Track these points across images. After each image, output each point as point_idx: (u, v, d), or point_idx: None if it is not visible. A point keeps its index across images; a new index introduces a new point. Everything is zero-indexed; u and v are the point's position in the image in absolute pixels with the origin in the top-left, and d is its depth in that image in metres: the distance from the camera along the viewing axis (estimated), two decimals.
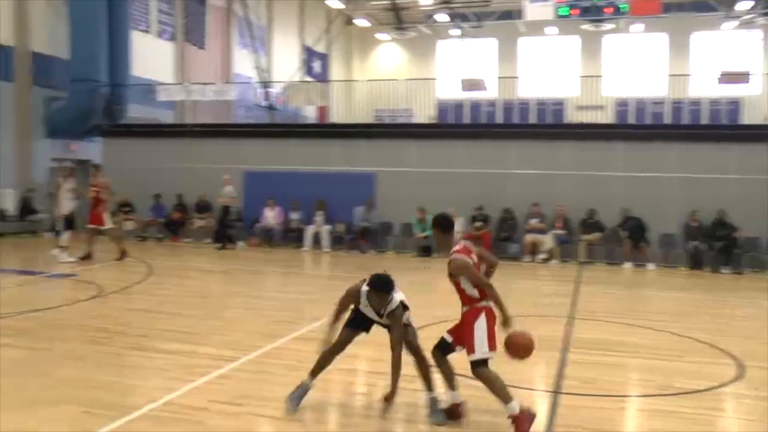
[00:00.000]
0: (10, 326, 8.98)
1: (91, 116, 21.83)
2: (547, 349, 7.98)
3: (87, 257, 14.97)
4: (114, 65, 22.48)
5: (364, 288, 5.87)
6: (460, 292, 5.74)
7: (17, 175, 21.02)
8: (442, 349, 5.93)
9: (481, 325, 5.55)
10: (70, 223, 15.37)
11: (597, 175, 17.34)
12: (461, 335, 5.72)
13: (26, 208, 20.77)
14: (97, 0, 21.68)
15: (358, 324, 6.00)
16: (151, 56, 26.17)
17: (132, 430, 5.43)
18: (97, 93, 21.57)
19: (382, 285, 5.80)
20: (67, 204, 15.37)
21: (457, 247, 5.73)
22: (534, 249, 17.08)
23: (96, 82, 21.58)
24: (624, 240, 16.55)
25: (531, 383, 6.99)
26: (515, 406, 5.43)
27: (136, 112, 23.14)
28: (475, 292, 5.65)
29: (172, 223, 19.87)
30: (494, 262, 6.02)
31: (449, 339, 5.93)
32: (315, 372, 5.96)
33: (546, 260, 16.84)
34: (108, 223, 15.49)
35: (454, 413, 5.82)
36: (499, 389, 5.49)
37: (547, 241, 16.93)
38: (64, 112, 21.94)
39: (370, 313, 5.92)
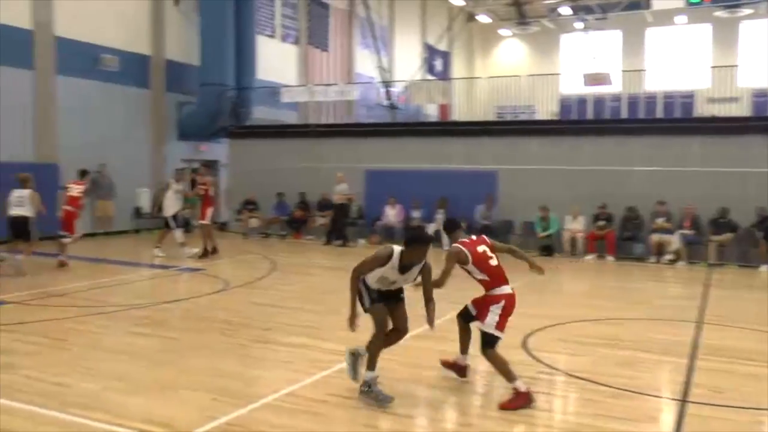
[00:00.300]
0: (143, 316, 9.54)
1: (218, 119, 22.84)
2: (674, 354, 7.64)
3: (213, 252, 15.58)
4: (240, 70, 23.43)
5: (398, 248, 6.21)
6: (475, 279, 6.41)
7: (152, 175, 22.32)
8: (465, 317, 6.73)
9: (496, 309, 6.23)
10: (179, 221, 16.00)
11: (730, 172, 16.35)
12: (481, 310, 6.42)
13: (160, 206, 21.90)
14: (225, 9, 22.68)
15: (381, 297, 6.33)
16: (275, 60, 27.05)
17: (256, 418, 5.61)
18: (224, 96, 22.54)
19: (427, 236, 6.50)
20: (174, 204, 15.94)
21: (463, 239, 6.56)
22: (660, 249, 16.33)
23: (223, 86, 22.57)
24: (760, 241, 15.55)
25: (657, 390, 6.70)
26: (521, 384, 5.91)
27: (260, 114, 23.99)
28: (484, 277, 6.39)
29: (295, 221, 20.43)
30: (508, 249, 6.96)
31: (473, 310, 6.59)
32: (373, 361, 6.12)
33: (672, 261, 16.06)
34: (207, 219, 15.96)
35: (461, 371, 6.65)
36: (504, 370, 6.02)
37: (674, 241, 16.13)
38: (194, 115, 23.11)
39: (392, 275, 6.21)
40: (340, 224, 19.02)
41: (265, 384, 6.49)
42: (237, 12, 23.18)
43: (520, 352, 7.69)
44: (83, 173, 15.17)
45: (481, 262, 6.42)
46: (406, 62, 34.19)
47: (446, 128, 21.00)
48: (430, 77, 33.50)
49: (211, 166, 16.99)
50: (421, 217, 18.82)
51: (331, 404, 5.92)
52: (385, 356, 7.46)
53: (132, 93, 21.63)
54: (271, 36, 27.51)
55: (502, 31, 40.80)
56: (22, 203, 12.69)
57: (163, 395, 6.19)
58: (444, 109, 28.54)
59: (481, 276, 6.38)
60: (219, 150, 24.26)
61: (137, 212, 21.75)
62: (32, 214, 12.78)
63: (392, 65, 33.89)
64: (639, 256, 16.50)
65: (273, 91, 23.85)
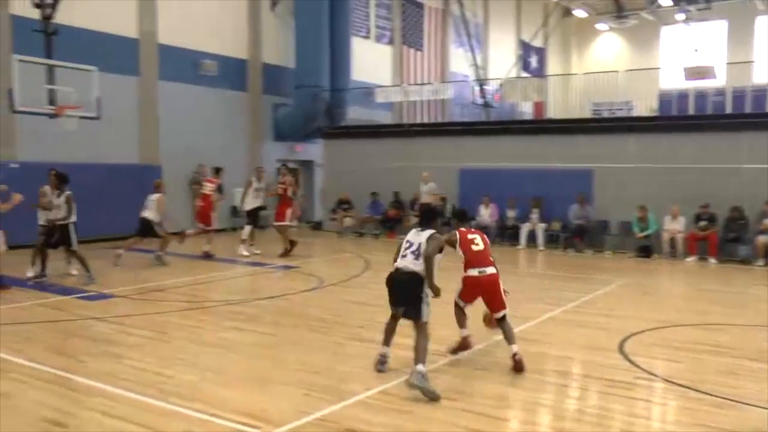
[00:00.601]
0: (240, 312, 9.79)
1: (313, 120, 23.22)
2: None
3: (288, 252, 15.68)
4: (335, 71, 23.74)
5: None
6: None
7: (248, 175, 22.83)
8: None
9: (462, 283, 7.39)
10: (254, 219, 16.20)
11: None
12: None
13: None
14: (321, 11, 23.05)
15: None
16: (370, 60, 27.30)
17: (348, 414, 5.65)
18: (319, 98, 22.89)
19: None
20: (251, 201, 16.19)
21: (462, 228, 7.69)
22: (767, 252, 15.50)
23: (318, 88, 22.92)
24: None
25: (763, 401, 6.28)
26: (465, 331, 7.39)
27: (355, 114, 24.24)
28: (465, 258, 7.46)
29: (389, 220, 20.53)
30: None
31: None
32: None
33: None
34: (288, 220, 16.07)
35: (464, 344, 7.45)
36: (457, 318, 7.48)
37: None
38: (290, 116, 23.60)
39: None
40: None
41: (358, 381, 6.52)
42: (332, 14, 23.53)
43: (617, 356, 7.46)
44: (217, 170, 16.29)
45: (464, 243, 7.48)
46: (501, 60, 33.83)
47: (541, 126, 20.61)
48: (524, 74, 33.00)
49: (286, 165, 17.16)
50: (516, 216, 18.56)
51: (424, 403, 5.89)
52: (480, 356, 7.40)
53: (230, 96, 22.30)
54: (366, 37, 27.78)
55: (599, 26, 39.74)
56: (150, 206, 14.19)
57: (258, 388, 6.33)
58: (539, 106, 28.05)
59: (463, 257, 7.47)
60: (314, 150, 24.71)
61: (234, 211, 22.35)
62: (154, 216, 14.13)
63: (486, 63, 33.60)
64: (744, 259, 15.69)
65: (367, 91, 24.06)
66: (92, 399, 5.98)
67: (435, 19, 31.55)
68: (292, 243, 15.85)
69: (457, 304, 7.45)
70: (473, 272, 7.36)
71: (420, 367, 6.07)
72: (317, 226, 23.08)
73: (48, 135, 16.17)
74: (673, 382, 6.58)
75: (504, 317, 7.06)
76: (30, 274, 11.98)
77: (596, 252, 17.21)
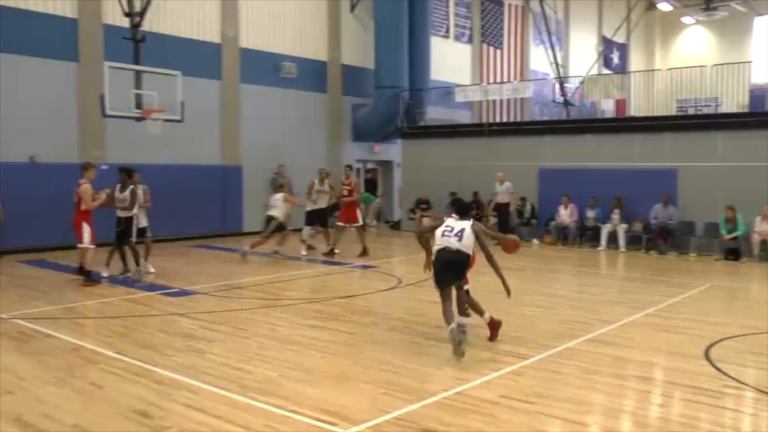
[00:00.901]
0: (319, 310, 9.92)
1: (392, 120, 23.32)
2: None
3: (364, 253, 15.73)
4: (414, 71, 23.79)
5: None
6: None
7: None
8: None
9: None
10: (312, 219, 16.29)
11: None
12: None
13: (335, 205, 22.67)
14: (400, 11, 23.12)
15: None
16: (449, 59, 27.25)
17: (426, 414, 5.62)
18: (398, 98, 22.96)
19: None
20: (314, 202, 16.30)
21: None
22: None
23: (397, 88, 22.99)
24: None
25: None
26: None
27: (434, 114, 24.21)
28: None
29: None
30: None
31: None
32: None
33: None
34: (359, 220, 16.14)
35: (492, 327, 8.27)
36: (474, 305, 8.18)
37: None
38: (369, 117, 23.78)
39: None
40: (506, 224, 18.77)
41: (436, 381, 6.51)
42: (411, 14, 23.58)
43: (703, 363, 7.18)
44: (350, 169, 16.63)
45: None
46: (582, 57, 33.18)
47: (623, 124, 20.07)
48: (606, 71, 32.26)
49: (350, 166, 17.14)
50: (596, 217, 18.16)
51: (503, 406, 5.82)
52: (559, 360, 7.27)
53: (309, 97, 22.62)
54: (445, 36, 27.72)
55: (685, 19, 38.48)
56: (275, 205, 15.20)
57: (336, 386, 6.39)
58: (620, 104, 27.35)
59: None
60: (393, 150, 24.81)
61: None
62: (280, 214, 15.13)
63: (567, 60, 33.00)
64: None
65: (447, 91, 24.01)
66: (177, 392, 6.17)
67: (515, 16, 31.20)
68: (331, 249, 15.92)
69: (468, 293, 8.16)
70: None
71: (463, 319, 7.46)
72: (396, 226, 23.16)
73: (134, 137, 16.79)
74: (764, 392, 6.30)
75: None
76: (104, 274, 12.43)
77: (680, 254, 16.66)
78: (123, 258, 12.55)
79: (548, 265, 15.53)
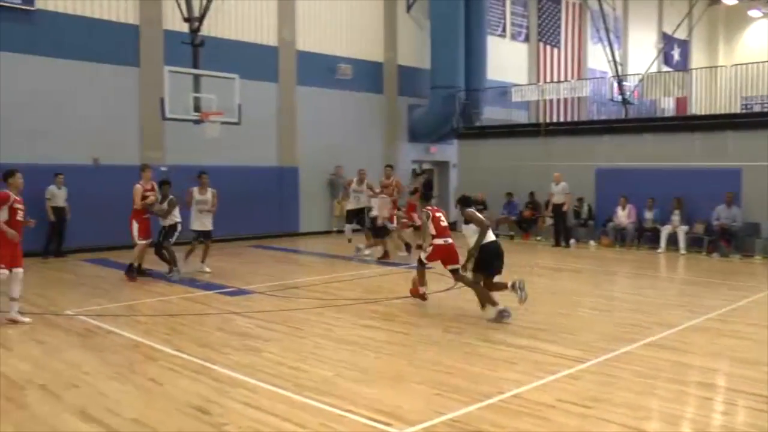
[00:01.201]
0: (375, 310, 9.96)
1: (448, 120, 23.25)
2: None
3: (408, 251, 15.69)
4: (470, 70, 23.67)
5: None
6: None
7: (384, 176, 23.23)
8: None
9: (429, 249, 10.05)
10: (351, 218, 16.21)
11: None
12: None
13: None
14: (456, 11, 23.05)
15: None
16: (505, 59, 27.06)
17: (480, 416, 5.60)
18: (454, 98, 22.88)
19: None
20: (350, 202, 16.32)
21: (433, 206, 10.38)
22: None
23: (454, 88, 22.92)
24: None
25: None
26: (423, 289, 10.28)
27: (491, 114, 24.06)
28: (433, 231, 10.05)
29: (524, 221, 20.22)
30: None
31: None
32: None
33: None
34: (393, 221, 15.98)
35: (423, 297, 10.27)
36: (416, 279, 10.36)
37: None
38: (425, 117, 23.76)
39: None
40: (562, 225, 18.52)
41: (491, 383, 6.46)
42: (467, 13, 23.49)
43: (767, 370, 6.96)
44: (416, 174, 16.39)
45: (435, 220, 10.11)
46: (641, 54, 32.52)
47: (684, 123, 19.56)
48: (666, 69, 31.53)
49: (390, 166, 17.08)
50: (654, 218, 17.76)
51: (560, 410, 5.75)
52: (616, 363, 7.15)
53: (365, 98, 22.72)
54: (502, 35, 27.55)
55: (752, 12, 37.32)
56: (376, 206, 15.31)
57: (391, 386, 6.40)
58: (681, 102, 26.72)
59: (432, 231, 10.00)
60: (449, 151, 24.74)
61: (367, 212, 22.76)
62: (381, 215, 15.36)
63: (625, 58, 32.38)
64: None
65: (503, 90, 23.84)
66: (234, 389, 6.27)
67: (572, 14, 30.78)
68: (385, 247, 15.78)
69: (422, 263, 10.11)
70: (440, 241, 10.02)
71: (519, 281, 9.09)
72: (452, 227, 22.98)
73: (192, 140, 17.12)
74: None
75: (457, 270, 9.73)
76: (174, 276, 12.74)
77: (744, 257, 16.16)
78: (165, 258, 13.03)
79: (605, 267, 15.25)
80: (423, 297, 10.22)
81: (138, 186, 12.63)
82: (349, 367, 7.05)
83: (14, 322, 8.94)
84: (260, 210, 19.57)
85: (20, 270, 8.95)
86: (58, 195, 15.44)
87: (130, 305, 10.37)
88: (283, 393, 6.16)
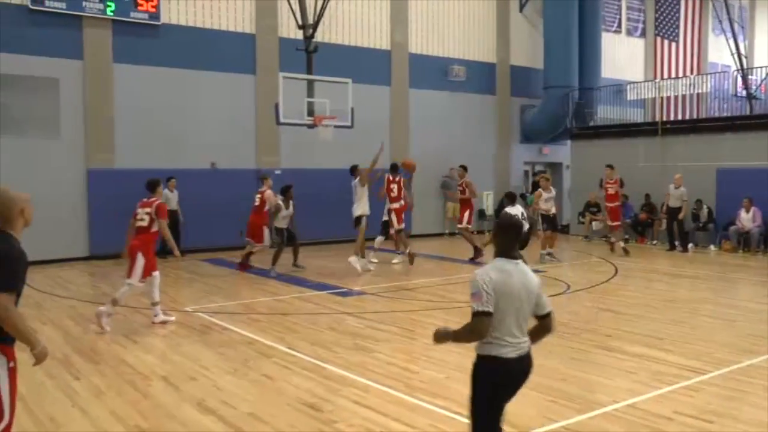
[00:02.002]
0: None
1: (562, 121, 22.79)
2: None
3: (478, 253, 15.38)
4: (584, 69, 23.14)
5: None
6: None
7: (496, 178, 23.13)
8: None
9: None
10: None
11: None
12: None
13: (502, 208, 22.51)
14: (570, 9, 22.58)
15: None
16: (621, 56, 26.28)
17: (594, 425, 5.48)
18: (567, 98, 22.41)
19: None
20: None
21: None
22: None
23: (567, 88, 22.45)
24: None
25: None
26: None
27: (605, 113, 23.40)
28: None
29: (639, 224, 19.53)
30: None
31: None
32: None
33: None
34: (464, 223, 15.83)
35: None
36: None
37: None
38: (537, 118, 23.38)
39: None
40: (678, 228, 17.77)
41: (605, 392, 6.30)
42: (581, 10, 22.97)
43: None
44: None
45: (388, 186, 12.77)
46: None
47: None
48: None
49: (465, 167, 16.80)
50: None
51: (677, 423, 5.52)
52: (740, 377, 6.78)
53: (477, 100, 22.59)
54: (617, 31, 26.76)
55: None
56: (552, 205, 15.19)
57: None
58: None
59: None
60: (562, 152, 24.25)
61: (481, 213, 22.64)
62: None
63: (751, 50, 30.66)
64: None
65: (618, 89, 23.14)
66: (345, 388, 6.38)
67: (692, 5, 29.42)
68: (477, 249, 15.45)
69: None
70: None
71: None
72: (564, 230, 22.60)
73: (305, 144, 17.56)
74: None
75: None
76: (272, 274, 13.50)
77: None
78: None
79: (727, 274, 14.46)
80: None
81: (270, 192, 13.70)
82: (459, 369, 7.01)
83: (164, 323, 9.24)
84: (373, 212, 19.75)
85: (157, 274, 9.27)
86: (171, 198, 16.10)
87: (246, 303, 10.75)
88: (393, 393, 6.22)
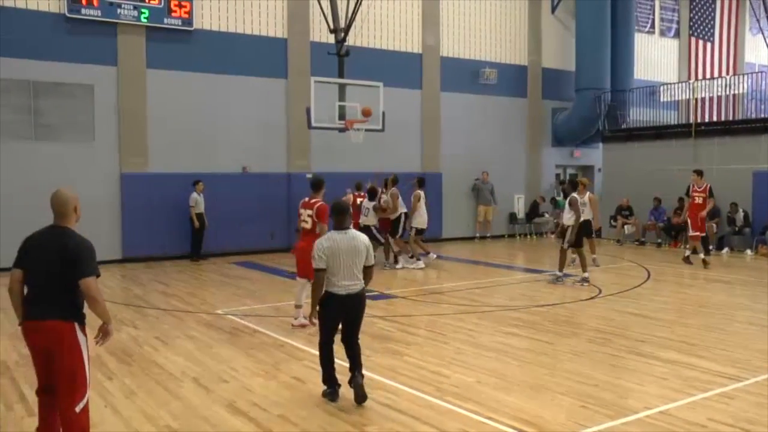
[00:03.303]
0: (517, 317, 9.82)
1: (593, 123, 22.58)
2: None
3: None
4: (617, 71, 22.94)
5: None
6: None
7: (527, 181, 22.99)
8: None
9: None
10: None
11: None
12: None
13: (533, 212, 22.43)
14: (602, 10, 22.36)
15: None
16: (654, 57, 26.01)
17: None
18: (599, 100, 22.20)
19: None
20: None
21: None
22: None
23: (599, 90, 22.24)
24: None
25: None
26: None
27: (638, 116, 23.13)
28: None
29: (672, 228, 19.26)
30: None
31: None
32: None
33: None
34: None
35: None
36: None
37: None
38: (569, 121, 23.21)
39: None
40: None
41: (638, 398, 6.21)
42: (614, 11, 22.76)
43: None
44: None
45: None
46: None
47: None
48: None
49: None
50: None
51: (711, 430, 5.43)
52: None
53: (508, 103, 22.48)
54: (650, 32, 26.47)
55: None
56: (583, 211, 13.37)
57: (533, 396, 6.29)
58: None
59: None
60: (594, 155, 24.03)
61: (512, 217, 22.53)
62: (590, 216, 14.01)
63: None
64: None
65: (651, 90, 22.86)
66: (375, 391, 6.37)
67: (728, 4, 28.92)
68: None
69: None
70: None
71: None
72: (596, 234, 22.35)
73: (336, 147, 17.62)
74: None
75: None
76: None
77: None
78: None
79: (764, 279, 14.16)
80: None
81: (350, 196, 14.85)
82: (490, 374, 7.00)
83: (302, 326, 9.08)
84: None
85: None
86: (199, 201, 16.21)
87: (276, 306, 10.79)
88: (424, 397, 6.20)
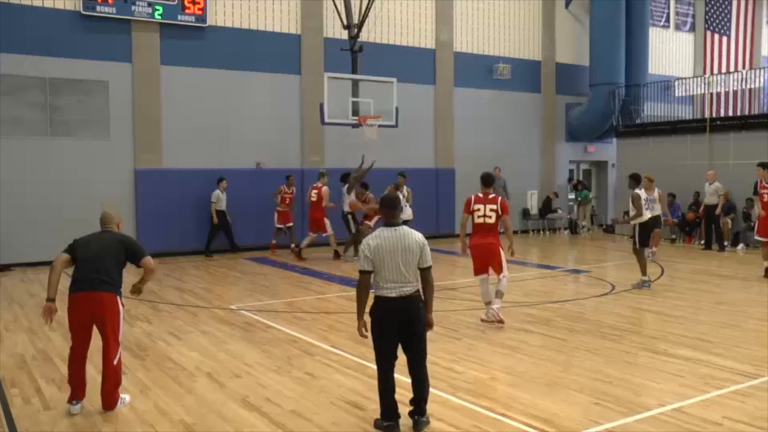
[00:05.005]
0: (531, 314, 9.79)
1: (607, 118, 22.47)
2: None
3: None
4: (631, 66, 22.77)
5: None
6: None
7: (541, 177, 22.90)
8: None
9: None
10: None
11: None
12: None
13: (546, 208, 22.36)
14: (616, 4, 22.21)
15: None
16: (669, 51, 25.83)
17: (639, 429, 5.37)
18: (614, 95, 22.08)
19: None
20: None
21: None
22: None
23: (613, 85, 22.12)
24: None
25: None
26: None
27: (653, 111, 23.01)
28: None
29: (687, 224, 19.13)
30: None
31: None
32: None
33: None
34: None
35: None
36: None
37: None
38: (583, 116, 23.09)
39: None
40: (714, 229, 17.32)
41: (652, 395, 6.18)
42: (628, 6, 22.60)
43: None
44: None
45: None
46: None
47: None
48: None
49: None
50: None
51: (725, 428, 5.39)
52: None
53: (522, 98, 22.40)
54: (665, 26, 26.27)
55: None
56: (651, 207, 12.80)
57: (547, 392, 6.27)
58: None
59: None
60: (608, 151, 23.93)
61: (525, 213, 22.46)
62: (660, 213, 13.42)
63: None
64: None
65: (666, 85, 22.72)
66: None
67: None
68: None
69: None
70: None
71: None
72: (609, 230, 22.28)
73: (349, 143, 17.61)
74: None
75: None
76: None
77: None
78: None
79: None
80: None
81: (326, 188, 15.52)
82: (503, 370, 6.99)
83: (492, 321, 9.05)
84: (417, 211, 19.76)
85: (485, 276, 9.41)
86: (222, 199, 16.31)
87: (290, 302, 10.83)
88: (437, 393, 6.18)
